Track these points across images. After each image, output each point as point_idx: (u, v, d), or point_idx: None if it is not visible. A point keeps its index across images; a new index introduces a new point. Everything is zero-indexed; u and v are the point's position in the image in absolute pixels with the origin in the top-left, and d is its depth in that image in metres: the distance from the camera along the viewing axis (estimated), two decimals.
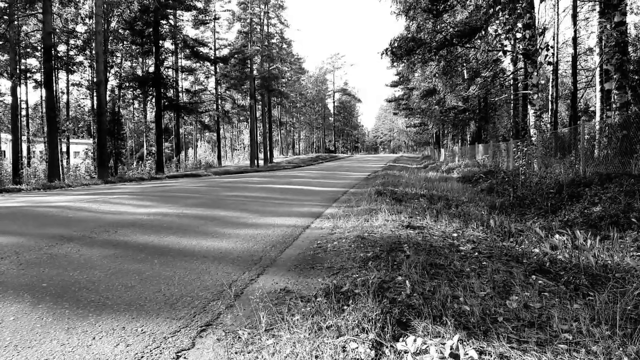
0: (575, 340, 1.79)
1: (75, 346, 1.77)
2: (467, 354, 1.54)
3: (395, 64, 23.30)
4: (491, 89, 22.64)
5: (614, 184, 6.41)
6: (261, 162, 34.97)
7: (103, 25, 22.44)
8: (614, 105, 10.23)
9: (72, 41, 29.80)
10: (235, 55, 33.52)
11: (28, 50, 29.21)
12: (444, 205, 6.70)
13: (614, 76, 10.06)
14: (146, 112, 39.45)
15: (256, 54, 35.76)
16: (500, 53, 17.17)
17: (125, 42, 30.97)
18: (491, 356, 1.61)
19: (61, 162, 27.58)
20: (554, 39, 20.70)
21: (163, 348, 1.76)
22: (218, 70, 34.99)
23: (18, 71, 24.98)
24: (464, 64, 22.50)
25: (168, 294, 2.44)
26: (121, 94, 33.89)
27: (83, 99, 45.76)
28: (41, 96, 33.25)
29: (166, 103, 26.91)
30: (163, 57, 28.02)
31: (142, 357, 1.69)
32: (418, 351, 1.56)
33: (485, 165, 17.00)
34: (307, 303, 2.21)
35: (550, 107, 20.29)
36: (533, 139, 12.67)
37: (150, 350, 1.74)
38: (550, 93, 20.79)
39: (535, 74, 12.66)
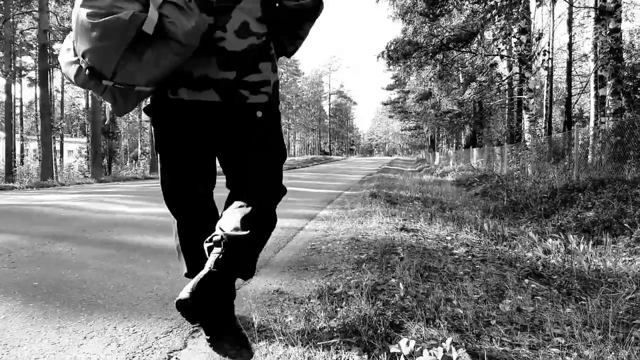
0: (567, 344, 1.80)
1: (66, 345, 1.76)
2: (460, 357, 1.54)
3: (391, 67, 23.37)
4: (486, 94, 22.74)
5: (607, 189, 6.45)
6: None
7: None
8: (608, 111, 10.30)
9: None
10: None
11: (23, 48, 29.06)
12: (438, 208, 6.72)
13: (609, 82, 10.14)
14: (141, 112, 39.36)
15: None
16: (497, 58, 17.25)
17: None
18: (484, 359, 1.61)
19: (55, 160, 27.41)
20: (549, 45, 20.84)
21: (155, 348, 1.75)
22: None
23: (12, 69, 24.83)
24: (460, 68, 22.60)
25: (161, 294, 2.43)
26: None
27: (77, 97, 45.55)
28: (35, 94, 33.09)
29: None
30: None
31: (134, 357, 1.68)
32: (411, 353, 1.56)
33: (479, 169, 17.07)
34: (300, 305, 2.20)
35: (544, 112, 20.40)
36: (527, 143, 12.74)
37: (142, 351, 1.73)
38: (545, 98, 20.91)
39: (531, 78, 12.73)
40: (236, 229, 1.44)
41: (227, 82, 1.51)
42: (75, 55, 1.39)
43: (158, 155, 1.68)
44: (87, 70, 1.36)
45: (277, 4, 1.61)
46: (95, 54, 1.31)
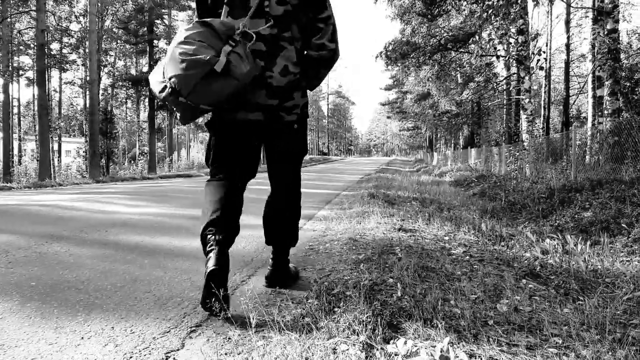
0: (565, 344, 1.80)
1: (63, 345, 1.75)
2: (458, 357, 1.54)
3: (389, 67, 23.37)
4: (484, 94, 22.75)
5: (604, 189, 6.46)
6: None
7: (97, 23, 22.32)
8: (605, 112, 10.32)
9: (65, 39, 29.62)
10: None
11: (21, 47, 28.97)
12: (436, 208, 6.72)
13: (606, 83, 10.15)
14: (139, 112, 39.27)
15: None
16: (494, 58, 17.26)
17: (119, 41, 30.84)
18: (481, 359, 1.61)
19: (52, 160, 27.36)
20: (547, 45, 20.86)
21: (152, 348, 1.75)
22: None
23: (10, 69, 24.77)
24: (458, 69, 22.61)
25: (158, 294, 2.42)
26: (114, 93, 33.69)
27: (75, 97, 45.41)
28: (33, 94, 33.00)
29: (159, 103, 26.78)
30: (157, 56, 27.91)
31: (131, 357, 1.68)
32: (409, 353, 1.56)
33: (477, 169, 17.09)
34: (298, 305, 2.20)
35: (542, 113, 20.43)
36: (525, 144, 12.75)
37: (140, 351, 1.73)
38: (542, 99, 20.94)
39: (528, 79, 12.74)
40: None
41: (272, 107, 2.21)
42: (164, 76, 1.97)
43: (212, 157, 2.34)
44: (170, 89, 1.95)
45: (305, 53, 2.29)
46: (179, 78, 1.90)
